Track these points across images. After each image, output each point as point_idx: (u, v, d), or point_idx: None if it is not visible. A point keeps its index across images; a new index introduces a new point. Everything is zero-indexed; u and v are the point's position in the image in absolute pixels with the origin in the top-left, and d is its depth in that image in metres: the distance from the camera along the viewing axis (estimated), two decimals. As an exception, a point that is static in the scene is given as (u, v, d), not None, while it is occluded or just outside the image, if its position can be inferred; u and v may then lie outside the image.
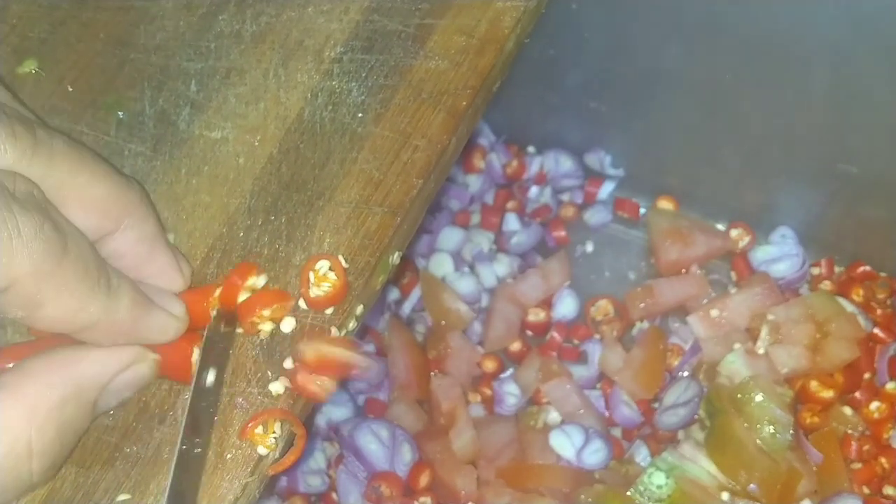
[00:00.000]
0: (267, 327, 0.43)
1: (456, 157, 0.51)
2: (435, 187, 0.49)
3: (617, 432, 0.77)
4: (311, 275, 0.44)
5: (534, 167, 0.88)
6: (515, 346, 0.81)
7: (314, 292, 0.43)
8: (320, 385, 0.42)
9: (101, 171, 0.40)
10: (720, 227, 0.84)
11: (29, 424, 0.36)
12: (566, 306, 0.82)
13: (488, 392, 0.79)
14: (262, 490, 0.42)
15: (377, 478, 0.73)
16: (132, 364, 0.40)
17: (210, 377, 0.41)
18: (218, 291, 0.43)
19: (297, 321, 0.44)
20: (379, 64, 0.51)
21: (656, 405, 0.77)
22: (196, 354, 0.42)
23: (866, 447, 0.73)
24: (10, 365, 0.39)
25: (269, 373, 0.43)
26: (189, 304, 0.42)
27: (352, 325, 0.45)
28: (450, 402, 0.77)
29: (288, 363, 0.43)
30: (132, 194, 0.41)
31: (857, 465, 0.73)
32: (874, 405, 0.74)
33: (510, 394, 0.78)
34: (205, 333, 0.41)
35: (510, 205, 0.87)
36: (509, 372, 0.80)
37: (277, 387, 0.42)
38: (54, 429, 0.37)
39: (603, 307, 0.81)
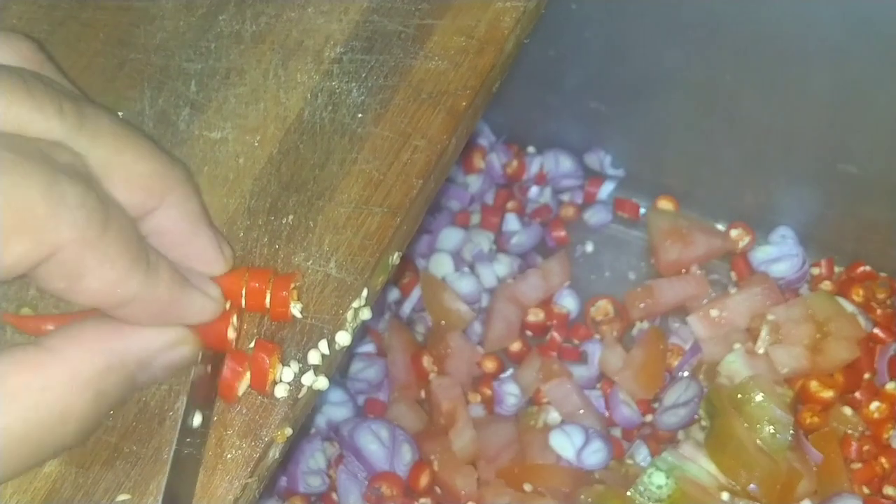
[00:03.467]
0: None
1: (456, 158, 0.51)
2: (435, 187, 0.49)
3: (617, 432, 0.77)
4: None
5: (534, 167, 0.88)
6: (515, 346, 0.81)
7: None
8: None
9: (146, 148, 0.40)
10: (720, 227, 0.84)
11: (69, 388, 0.37)
12: (566, 306, 0.82)
13: (488, 392, 0.79)
14: (261, 490, 0.42)
15: (378, 478, 0.73)
16: (176, 344, 0.40)
17: (197, 419, 0.41)
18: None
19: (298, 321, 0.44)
20: (379, 64, 0.51)
21: (656, 405, 0.77)
22: (231, 331, 0.42)
23: (866, 447, 0.73)
24: (51, 327, 0.40)
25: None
26: (225, 285, 0.42)
27: (351, 326, 0.45)
28: (450, 402, 0.77)
29: (287, 374, 0.43)
30: (176, 172, 0.41)
31: (857, 465, 0.73)
32: (874, 405, 0.74)
33: (510, 394, 0.78)
34: (190, 377, 0.41)
35: (510, 205, 0.87)
36: (509, 372, 0.80)
37: (280, 390, 0.42)
38: (93, 396, 0.37)
39: (603, 307, 0.81)
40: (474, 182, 0.88)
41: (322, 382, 0.43)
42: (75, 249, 0.35)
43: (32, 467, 0.38)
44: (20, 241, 0.34)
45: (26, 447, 0.36)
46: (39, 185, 0.34)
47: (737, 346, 0.75)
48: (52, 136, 0.36)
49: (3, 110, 0.35)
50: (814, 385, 0.74)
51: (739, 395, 0.71)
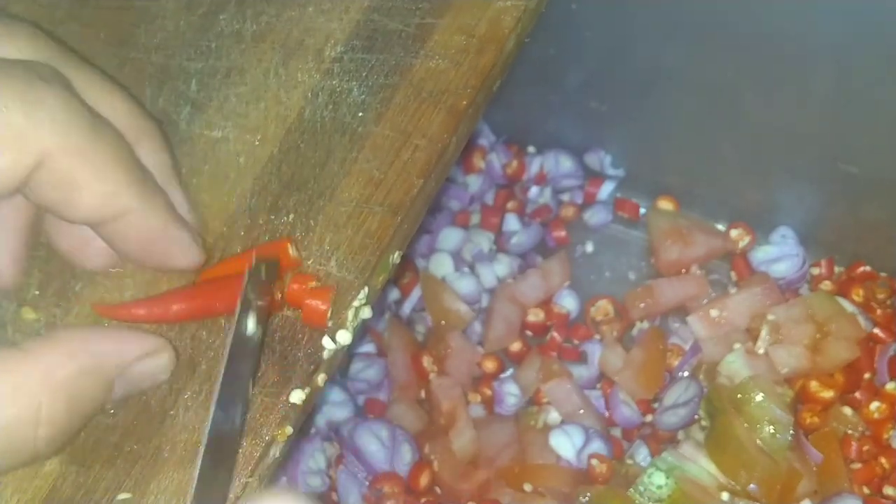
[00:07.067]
0: None
1: (456, 157, 0.51)
2: (435, 186, 0.49)
3: (617, 432, 0.77)
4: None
5: (534, 167, 0.88)
6: (515, 346, 0.81)
7: None
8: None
9: (122, 93, 0.40)
10: (720, 227, 0.84)
11: (42, 389, 0.36)
12: (566, 306, 0.82)
13: (488, 392, 0.79)
14: (262, 490, 0.42)
15: (379, 479, 0.73)
16: (153, 353, 0.40)
17: (251, 325, 0.40)
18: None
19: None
20: (379, 63, 0.51)
21: (656, 405, 0.77)
22: (329, 311, 0.42)
23: (866, 447, 0.73)
24: (142, 312, 0.41)
25: (283, 378, 0.43)
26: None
27: (351, 325, 0.45)
28: (450, 402, 0.77)
29: (296, 396, 0.43)
30: (151, 122, 0.41)
31: (857, 465, 0.73)
32: (874, 405, 0.74)
33: (510, 394, 0.78)
34: (245, 279, 0.41)
35: (510, 205, 0.87)
36: (509, 372, 0.80)
37: (299, 395, 0.42)
38: (66, 399, 0.37)
39: (603, 307, 0.81)
40: (474, 182, 0.88)
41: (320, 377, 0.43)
42: (64, 157, 0.35)
43: (4, 471, 0.37)
44: (3, 153, 0.34)
45: None
46: (15, 92, 0.34)
47: (737, 346, 0.75)
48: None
49: None
50: (814, 385, 0.74)
51: (739, 395, 0.71)
